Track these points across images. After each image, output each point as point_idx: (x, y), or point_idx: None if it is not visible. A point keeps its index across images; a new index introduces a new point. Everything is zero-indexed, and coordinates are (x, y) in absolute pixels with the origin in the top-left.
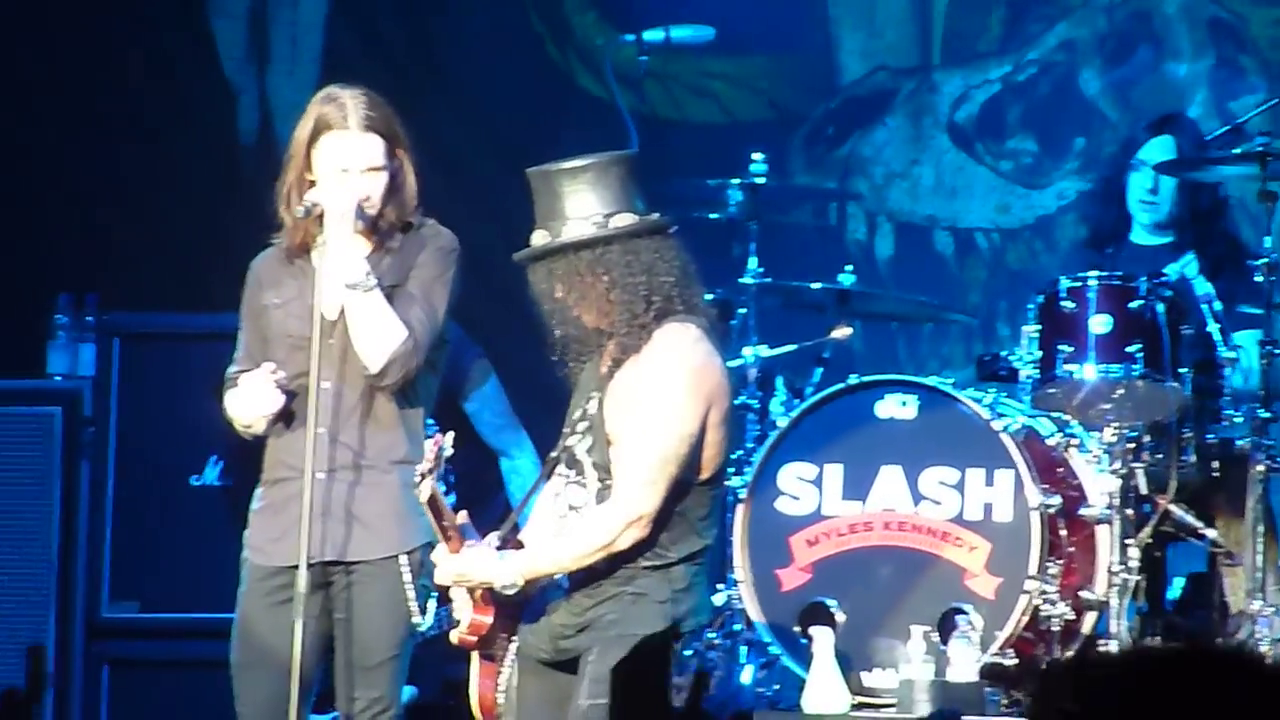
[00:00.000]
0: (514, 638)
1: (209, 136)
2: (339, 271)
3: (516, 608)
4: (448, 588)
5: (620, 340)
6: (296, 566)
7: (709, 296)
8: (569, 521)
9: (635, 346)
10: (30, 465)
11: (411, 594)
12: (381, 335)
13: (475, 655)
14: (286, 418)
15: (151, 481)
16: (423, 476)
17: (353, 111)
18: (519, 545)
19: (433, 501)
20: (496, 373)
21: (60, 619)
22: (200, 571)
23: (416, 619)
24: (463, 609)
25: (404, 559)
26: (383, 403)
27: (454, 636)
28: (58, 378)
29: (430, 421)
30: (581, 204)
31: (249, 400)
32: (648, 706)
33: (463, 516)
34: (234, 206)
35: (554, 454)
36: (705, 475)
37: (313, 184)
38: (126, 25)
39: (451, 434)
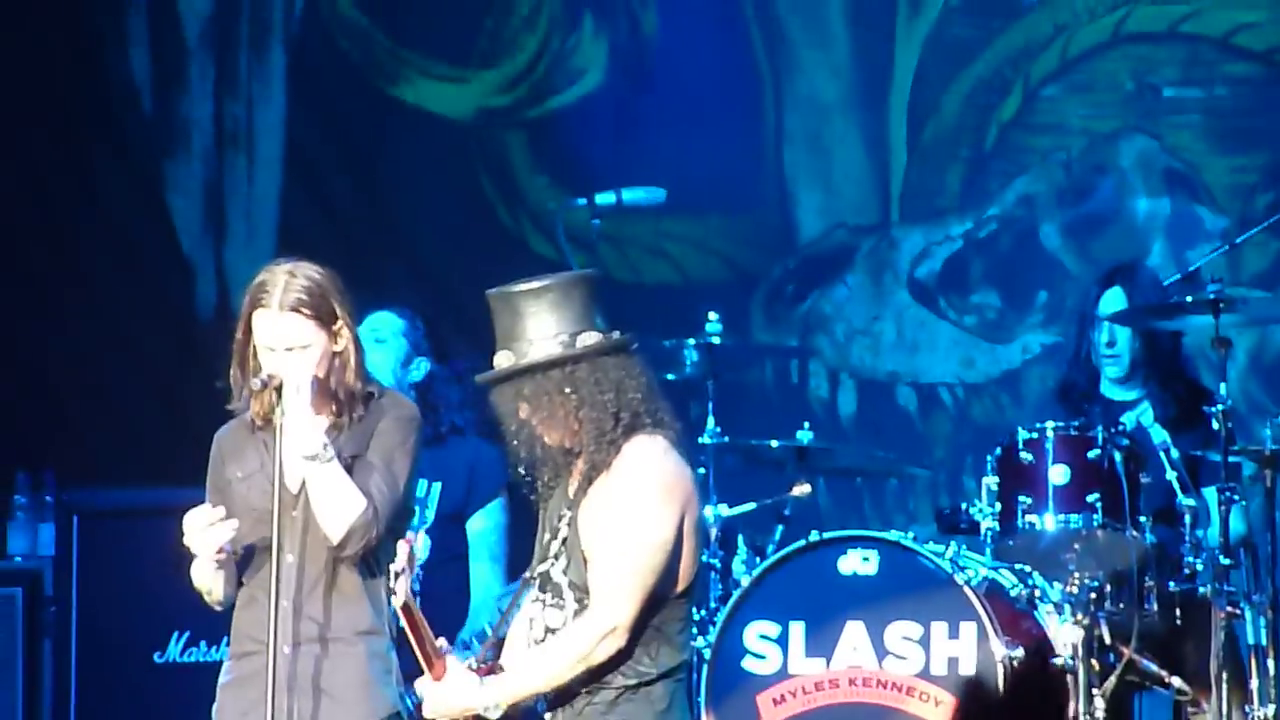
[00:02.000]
0: None
1: (167, 311)
2: (297, 443)
3: None
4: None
5: (590, 457)
6: None
7: None
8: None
9: (605, 462)
10: None
11: None
12: (341, 506)
13: None
14: (251, 591)
15: (115, 659)
16: (396, 576)
17: (280, 290)
18: (495, 669)
19: (408, 612)
20: None
21: None
22: None
23: None
24: None
25: None
26: (346, 574)
27: None
28: (18, 558)
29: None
30: (546, 324)
31: (192, 539)
32: None
33: (441, 643)
34: (192, 381)
35: (527, 576)
36: (681, 587)
37: (256, 355)
38: (83, 203)
39: (424, 533)
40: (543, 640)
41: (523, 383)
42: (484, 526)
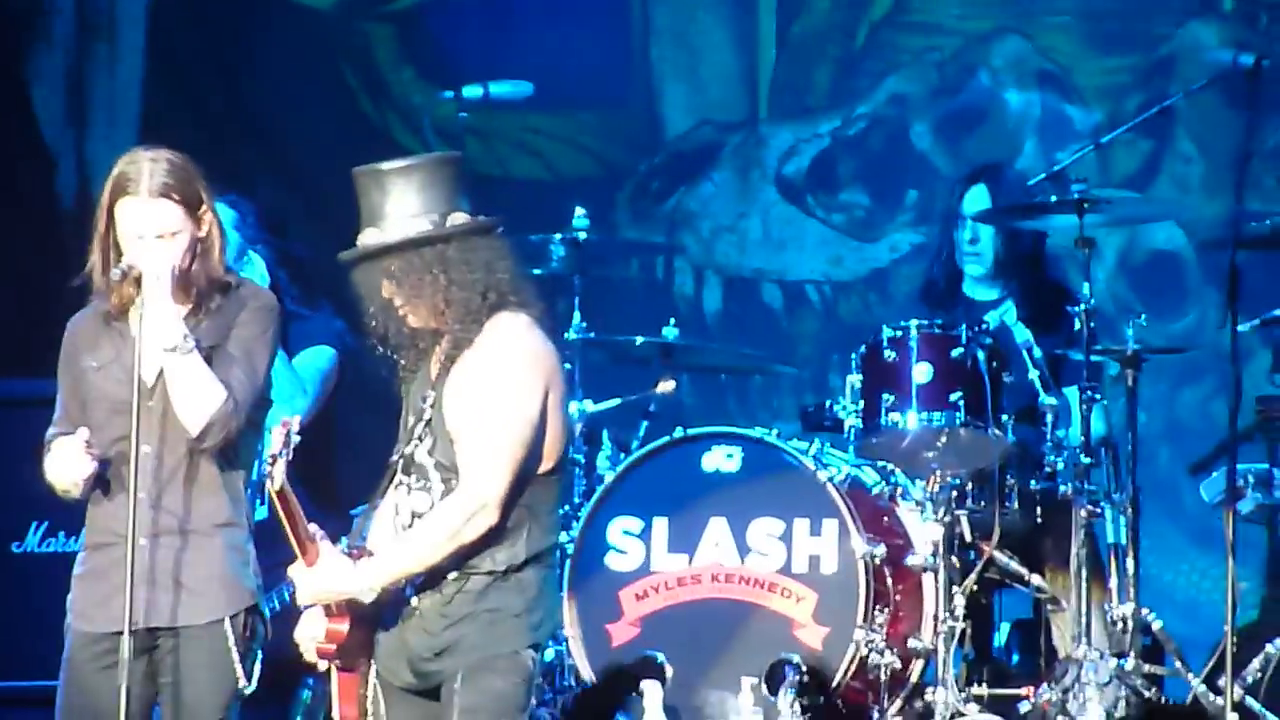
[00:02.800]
0: (372, 650)
1: (28, 200)
2: (157, 334)
3: (372, 615)
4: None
5: (454, 336)
6: (120, 632)
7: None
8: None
9: (468, 340)
10: None
11: (236, 657)
12: (201, 397)
13: (334, 671)
14: (107, 483)
15: None
16: (273, 459)
17: (146, 177)
18: (365, 555)
19: (284, 497)
20: None
21: None
22: (23, 638)
23: (242, 683)
24: (316, 619)
25: (228, 622)
26: (205, 466)
27: (311, 648)
28: None
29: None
30: (413, 203)
31: (61, 467)
32: None
33: (314, 528)
34: (53, 270)
35: (392, 460)
36: (549, 465)
37: (119, 246)
38: None
39: (299, 417)
40: (410, 526)
41: (391, 260)
42: (306, 362)
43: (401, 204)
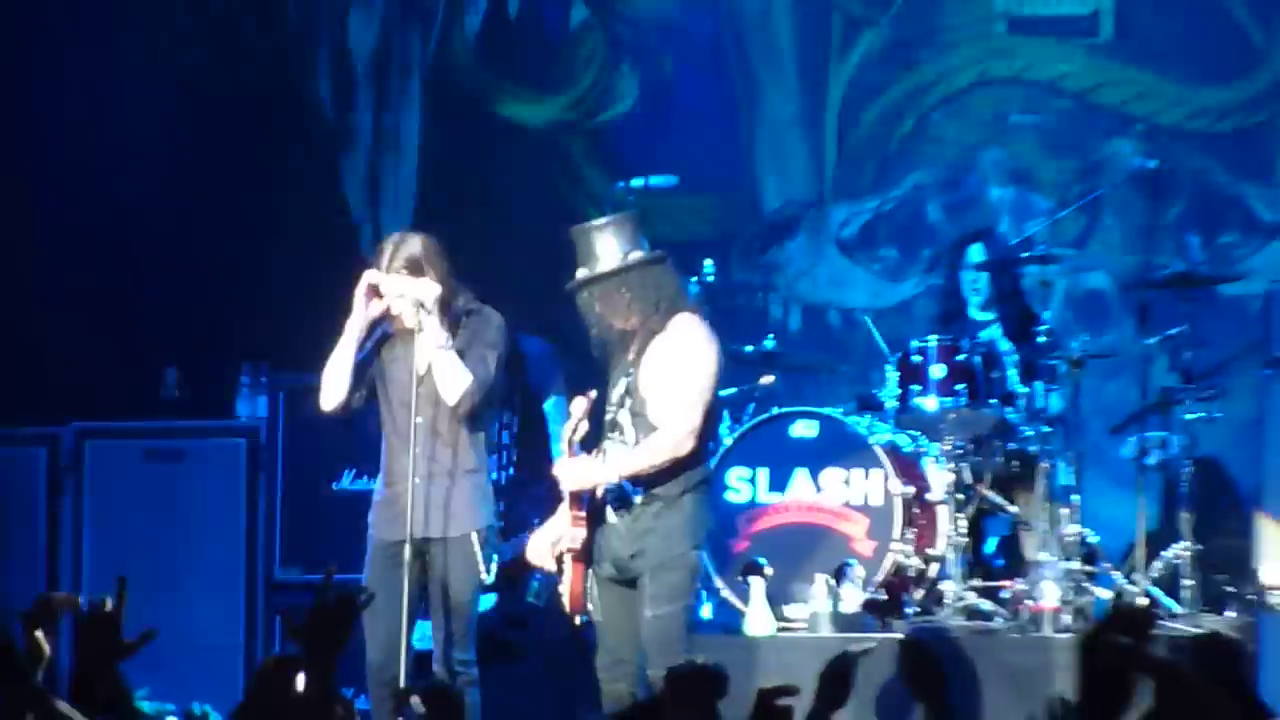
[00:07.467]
0: (591, 552)
1: (340, 253)
2: (428, 340)
3: (592, 524)
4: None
5: (643, 330)
6: (404, 541)
7: None
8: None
9: (657, 330)
10: (223, 479)
11: (479, 557)
12: (457, 380)
13: (569, 561)
14: (394, 441)
15: (306, 488)
16: (576, 425)
17: (386, 256)
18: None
19: (570, 447)
20: None
21: (247, 582)
22: (344, 543)
23: (483, 575)
24: (560, 522)
25: (474, 534)
26: (458, 429)
27: (548, 552)
28: (243, 419)
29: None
30: (607, 247)
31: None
32: (691, 606)
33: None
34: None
35: (604, 420)
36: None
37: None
38: (276, 184)
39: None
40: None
41: (593, 287)
42: (556, 407)
43: (598, 249)
